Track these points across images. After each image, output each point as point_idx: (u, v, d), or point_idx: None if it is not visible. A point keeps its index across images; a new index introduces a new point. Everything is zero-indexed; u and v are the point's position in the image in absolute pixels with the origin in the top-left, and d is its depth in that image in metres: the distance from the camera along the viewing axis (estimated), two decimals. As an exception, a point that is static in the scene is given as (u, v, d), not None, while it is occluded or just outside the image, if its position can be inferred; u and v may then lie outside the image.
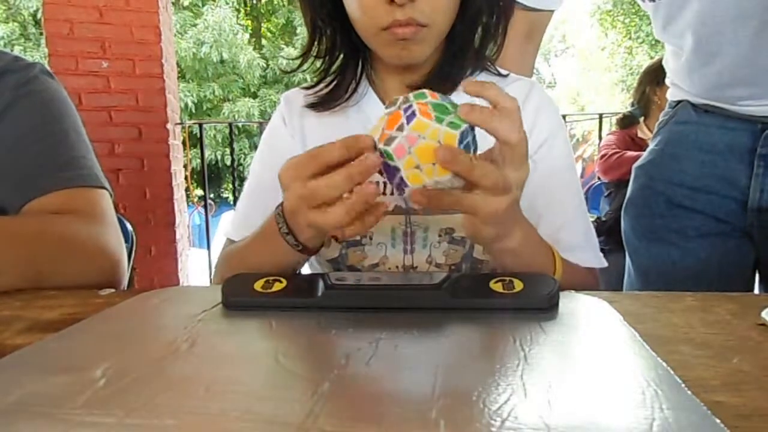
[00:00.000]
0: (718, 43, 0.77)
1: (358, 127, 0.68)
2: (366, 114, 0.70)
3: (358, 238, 0.68)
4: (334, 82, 0.71)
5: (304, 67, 0.72)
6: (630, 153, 2.20)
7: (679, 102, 0.91)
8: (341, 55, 0.71)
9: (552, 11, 1.00)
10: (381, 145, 0.44)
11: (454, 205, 0.46)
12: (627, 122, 2.32)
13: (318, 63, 0.72)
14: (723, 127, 0.84)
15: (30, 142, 0.69)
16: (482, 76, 0.72)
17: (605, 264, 0.67)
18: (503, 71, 0.73)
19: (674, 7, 0.81)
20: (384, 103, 0.71)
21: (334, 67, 0.72)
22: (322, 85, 0.72)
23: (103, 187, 0.72)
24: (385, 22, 0.60)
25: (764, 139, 0.80)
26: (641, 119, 2.25)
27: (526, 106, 0.69)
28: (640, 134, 2.26)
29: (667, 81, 0.95)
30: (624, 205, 0.98)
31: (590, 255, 0.66)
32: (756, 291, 0.93)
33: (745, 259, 0.87)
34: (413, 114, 0.44)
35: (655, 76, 2.11)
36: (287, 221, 0.53)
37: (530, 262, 0.54)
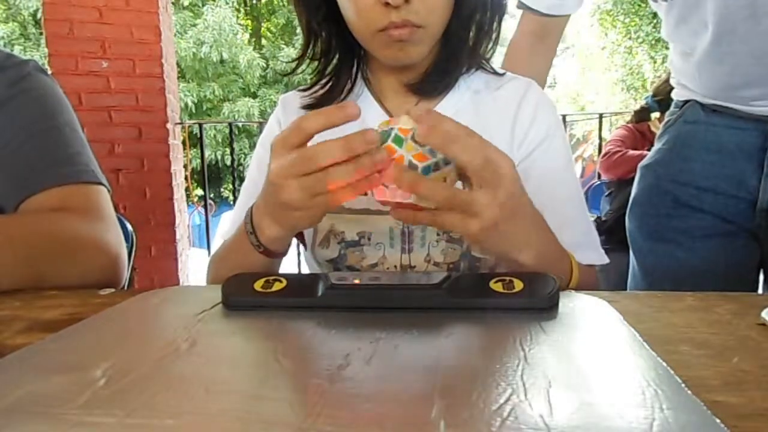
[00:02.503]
0: (730, 42, 0.77)
1: (354, 127, 0.68)
2: (362, 114, 0.70)
3: (356, 238, 0.68)
4: (330, 84, 0.72)
5: (301, 68, 0.72)
6: (632, 152, 2.19)
7: (686, 101, 0.91)
8: (336, 57, 0.71)
9: (567, 15, 0.98)
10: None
11: (431, 223, 0.47)
12: (642, 115, 2.28)
13: (315, 64, 0.72)
14: (732, 127, 0.83)
15: (25, 139, 0.69)
16: (478, 75, 0.72)
17: (607, 260, 0.67)
18: (500, 70, 0.73)
19: (688, 6, 0.80)
20: (379, 103, 0.71)
21: (329, 69, 0.72)
22: (317, 87, 0.72)
23: (100, 183, 0.72)
24: (380, 24, 0.60)
25: None
26: (655, 114, 2.19)
27: (523, 105, 0.69)
28: (653, 128, 2.22)
29: (672, 81, 0.95)
30: (629, 204, 0.97)
31: (592, 253, 0.66)
32: (760, 291, 0.92)
33: (750, 259, 0.87)
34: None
35: None
36: (253, 216, 0.55)
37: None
